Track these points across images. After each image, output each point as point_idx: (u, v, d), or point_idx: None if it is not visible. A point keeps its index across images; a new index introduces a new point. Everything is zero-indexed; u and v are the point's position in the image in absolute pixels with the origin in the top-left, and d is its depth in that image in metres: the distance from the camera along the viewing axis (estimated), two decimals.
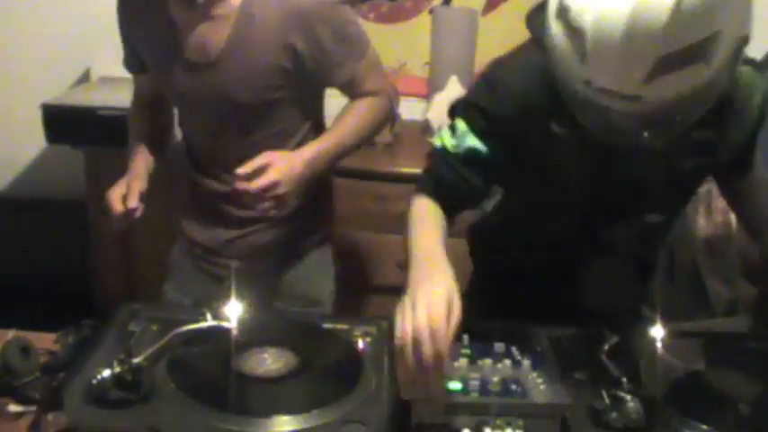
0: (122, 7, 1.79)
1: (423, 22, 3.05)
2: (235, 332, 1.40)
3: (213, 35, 1.67)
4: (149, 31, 1.74)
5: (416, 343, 1.15)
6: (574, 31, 1.20)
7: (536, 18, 1.38)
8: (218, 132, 1.79)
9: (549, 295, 1.64)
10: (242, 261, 1.84)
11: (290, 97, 1.74)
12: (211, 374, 1.36)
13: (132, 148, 1.87)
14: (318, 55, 1.68)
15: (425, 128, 2.88)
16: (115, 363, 1.28)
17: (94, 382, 1.25)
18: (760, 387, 1.39)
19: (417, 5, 3.05)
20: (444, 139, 1.55)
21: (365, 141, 1.84)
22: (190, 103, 1.80)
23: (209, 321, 1.44)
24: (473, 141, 1.51)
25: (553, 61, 1.27)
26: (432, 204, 1.53)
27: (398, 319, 1.19)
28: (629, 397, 1.26)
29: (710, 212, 2.21)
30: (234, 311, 1.43)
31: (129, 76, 2.73)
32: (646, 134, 1.27)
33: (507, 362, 1.37)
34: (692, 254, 2.17)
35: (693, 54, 1.16)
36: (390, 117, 1.97)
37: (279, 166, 1.61)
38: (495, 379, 1.30)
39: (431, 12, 3.03)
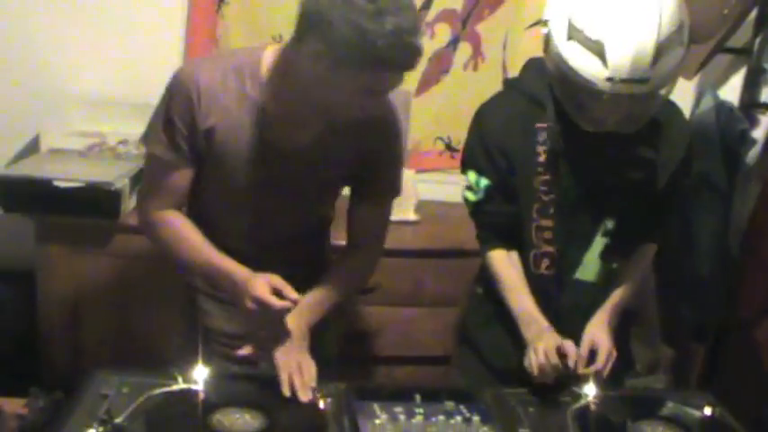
0: (200, 94, 1.64)
1: None
2: (203, 394, 1.52)
3: (303, 122, 1.69)
4: (232, 120, 1.67)
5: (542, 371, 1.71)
6: (593, 43, 1.60)
7: (520, 75, 1.93)
8: (273, 214, 1.78)
9: None
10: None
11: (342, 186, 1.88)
12: None
13: (215, 259, 1.71)
14: (378, 158, 1.80)
15: None
16: (95, 424, 1.37)
17: None
18: None
19: None
20: (468, 197, 1.92)
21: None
22: (264, 188, 1.74)
23: (180, 384, 1.55)
24: (484, 182, 1.87)
25: (570, 77, 1.64)
26: (503, 254, 1.92)
27: (533, 361, 1.72)
28: None
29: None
30: (202, 374, 1.54)
31: (77, 148, 2.85)
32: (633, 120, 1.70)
33: (458, 418, 1.52)
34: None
35: (675, 39, 1.62)
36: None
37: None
38: None
39: None
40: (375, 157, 1.79)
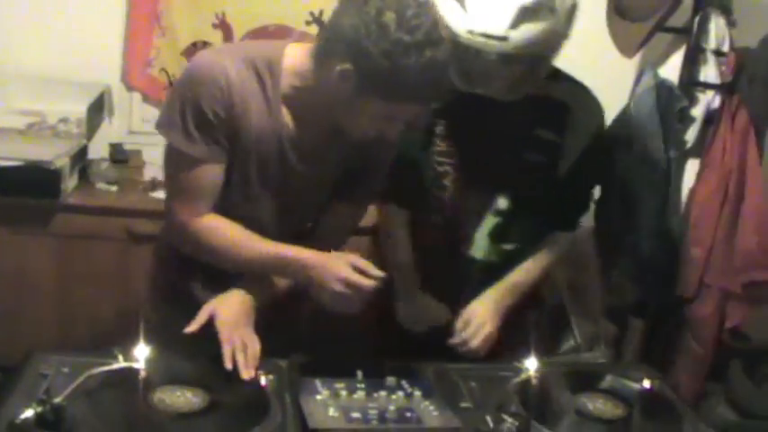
0: (230, 85, 1.56)
1: None
2: (144, 372, 1.49)
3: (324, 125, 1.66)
4: (251, 114, 1.60)
5: None
6: None
7: None
8: (284, 210, 1.76)
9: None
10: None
11: None
12: (127, 412, 1.43)
13: (280, 250, 1.67)
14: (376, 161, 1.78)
15: None
16: (34, 404, 1.34)
17: (18, 422, 1.31)
18: (622, 410, 1.61)
19: None
20: None
21: None
22: (286, 190, 1.71)
23: (121, 362, 1.53)
24: None
25: (441, 25, 1.53)
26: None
27: None
28: (509, 419, 1.44)
29: (572, 257, 2.46)
30: (143, 352, 1.53)
31: (16, 126, 2.78)
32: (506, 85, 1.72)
33: (400, 393, 1.53)
34: (558, 293, 2.41)
35: (545, 6, 1.63)
36: None
37: None
38: (392, 408, 1.46)
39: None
40: (374, 161, 1.77)
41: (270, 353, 1.64)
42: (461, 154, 1.86)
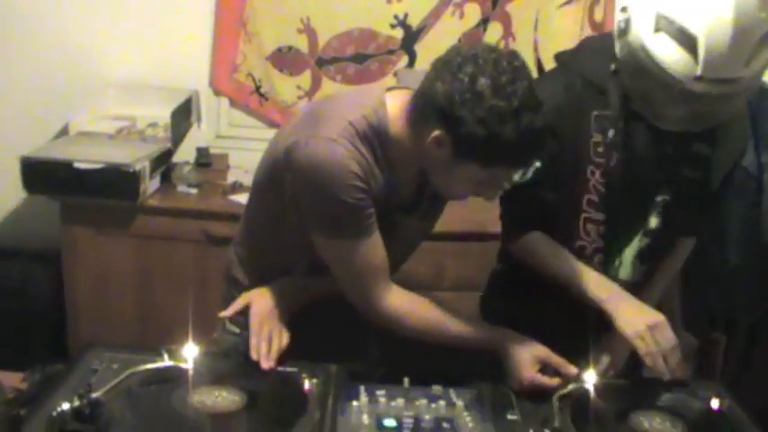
0: (361, 171, 1.53)
1: (388, 83, 3.17)
2: (189, 371, 1.50)
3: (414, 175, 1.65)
4: (377, 186, 1.58)
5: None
6: (686, 37, 1.45)
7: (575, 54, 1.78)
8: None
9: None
10: None
11: None
12: (166, 410, 1.43)
13: (471, 332, 1.68)
14: None
15: None
16: (75, 397, 1.36)
17: (54, 414, 1.33)
18: (679, 430, 1.49)
19: (382, 68, 3.19)
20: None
21: None
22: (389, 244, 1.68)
23: (166, 361, 1.54)
24: (535, 163, 1.70)
25: (651, 71, 1.50)
26: (542, 235, 1.79)
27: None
28: None
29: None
30: (190, 352, 1.53)
31: (106, 131, 2.88)
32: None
33: (442, 402, 1.47)
34: None
35: None
36: None
37: None
38: (428, 417, 1.40)
39: (395, 74, 3.18)
40: None
41: (338, 357, 1.63)
42: (617, 173, 1.72)
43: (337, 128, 1.53)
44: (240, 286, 1.82)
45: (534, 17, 3.06)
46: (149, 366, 1.53)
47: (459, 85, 1.41)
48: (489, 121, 1.40)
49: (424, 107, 1.49)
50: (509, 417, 1.49)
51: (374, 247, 1.60)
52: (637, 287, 1.81)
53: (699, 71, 1.45)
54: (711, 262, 2.33)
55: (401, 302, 1.66)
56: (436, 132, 1.45)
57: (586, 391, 1.54)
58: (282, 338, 1.63)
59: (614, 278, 1.78)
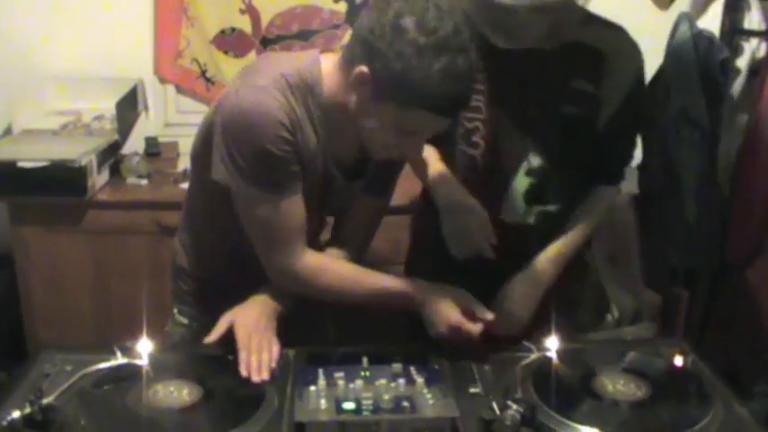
0: (290, 122, 1.50)
1: None
2: (144, 368, 1.47)
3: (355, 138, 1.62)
4: (306, 138, 1.55)
5: None
6: None
7: None
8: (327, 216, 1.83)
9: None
10: None
11: None
12: (121, 409, 1.40)
13: (387, 283, 1.67)
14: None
15: None
16: (26, 404, 1.33)
17: (4, 423, 1.29)
18: (644, 390, 1.47)
19: (328, 43, 3.14)
20: None
21: None
22: (328, 204, 1.72)
23: (119, 359, 1.51)
24: None
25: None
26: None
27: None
28: (513, 406, 1.34)
29: (612, 225, 2.33)
30: (143, 349, 1.50)
31: (51, 127, 2.81)
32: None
33: (402, 381, 1.45)
34: (593, 266, 2.28)
35: None
36: None
37: None
38: (387, 397, 1.38)
39: (342, 48, 3.11)
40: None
41: (296, 343, 1.61)
42: (491, 109, 1.74)
43: (268, 78, 1.51)
44: (186, 275, 1.79)
45: None
46: (102, 366, 1.49)
47: (383, 18, 1.40)
48: (407, 55, 1.38)
49: (352, 44, 1.48)
50: (471, 390, 1.48)
51: (295, 208, 1.57)
52: (532, 232, 1.80)
53: None
54: (669, 216, 2.32)
55: (316, 261, 1.65)
56: (359, 68, 1.43)
57: (548, 359, 1.54)
58: (273, 349, 1.58)
59: (500, 221, 1.77)
